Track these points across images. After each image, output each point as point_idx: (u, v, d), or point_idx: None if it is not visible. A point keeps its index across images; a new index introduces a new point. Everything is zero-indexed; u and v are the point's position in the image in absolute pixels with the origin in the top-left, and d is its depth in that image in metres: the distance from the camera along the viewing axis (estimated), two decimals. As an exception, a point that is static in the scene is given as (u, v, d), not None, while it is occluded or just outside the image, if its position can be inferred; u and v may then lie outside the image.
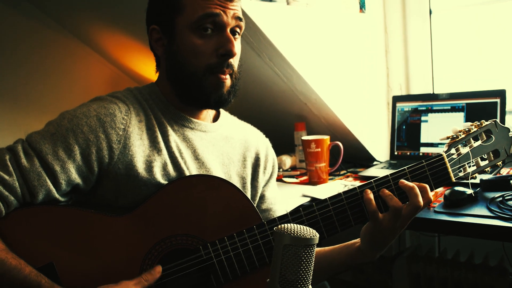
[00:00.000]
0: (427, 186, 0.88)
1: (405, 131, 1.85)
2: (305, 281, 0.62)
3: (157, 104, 0.98)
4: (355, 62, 1.90)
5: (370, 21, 1.96)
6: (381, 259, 1.94)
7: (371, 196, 0.88)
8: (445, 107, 1.74)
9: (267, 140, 1.17)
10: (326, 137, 1.68)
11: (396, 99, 1.90)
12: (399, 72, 2.06)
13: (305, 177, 1.82)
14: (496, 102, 1.61)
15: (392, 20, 2.02)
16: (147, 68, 2.28)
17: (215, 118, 1.07)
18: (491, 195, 1.28)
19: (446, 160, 0.92)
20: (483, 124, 0.97)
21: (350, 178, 1.74)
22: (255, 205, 1.08)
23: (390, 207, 0.87)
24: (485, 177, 1.33)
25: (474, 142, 0.96)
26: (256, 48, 1.58)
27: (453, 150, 0.94)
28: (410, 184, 0.87)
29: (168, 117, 0.98)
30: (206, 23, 0.89)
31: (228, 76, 0.94)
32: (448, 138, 0.97)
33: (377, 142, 2.02)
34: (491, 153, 0.97)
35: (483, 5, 1.94)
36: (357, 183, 1.61)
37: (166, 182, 0.91)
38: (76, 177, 0.87)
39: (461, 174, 0.94)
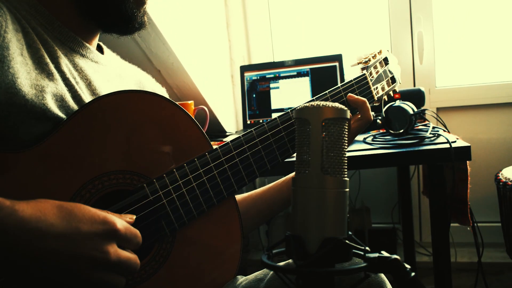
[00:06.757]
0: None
1: (256, 99, 1.88)
2: (345, 164, 0.51)
3: (35, 17, 0.70)
4: (201, 35, 1.82)
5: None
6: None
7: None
8: (292, 73, 1.85)
9: (164, 90, 0.99)
10: (190, 102, 1.56)
11: (244, 68, 1.91)
12: (241, 45, 2.09)
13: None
14: (335, 66, 1.80)
15: (231, -8, 2.04)
16: None
17: (98, 50, 0.85)
18: (360, 137, 1.40)
19: (369, 78, 0.95)
20: (382, 52, 1.05)
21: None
22: None
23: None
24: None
25: (380, 68, 1.03)
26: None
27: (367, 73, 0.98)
28: (362, 98, 0.86)
29: (52, 35, 0.72)
30: None
31: None
32: (359, 63, 1.01)
33: (226, 114, 1.99)
34: (389, 79, 1.06)
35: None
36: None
37: (64, 117, 0.65)
38: None
39: (378, 95, 0.98)
